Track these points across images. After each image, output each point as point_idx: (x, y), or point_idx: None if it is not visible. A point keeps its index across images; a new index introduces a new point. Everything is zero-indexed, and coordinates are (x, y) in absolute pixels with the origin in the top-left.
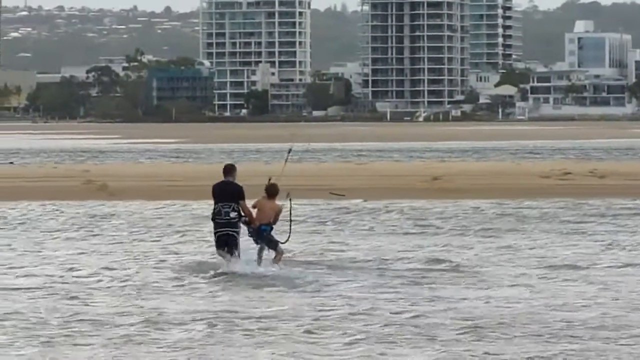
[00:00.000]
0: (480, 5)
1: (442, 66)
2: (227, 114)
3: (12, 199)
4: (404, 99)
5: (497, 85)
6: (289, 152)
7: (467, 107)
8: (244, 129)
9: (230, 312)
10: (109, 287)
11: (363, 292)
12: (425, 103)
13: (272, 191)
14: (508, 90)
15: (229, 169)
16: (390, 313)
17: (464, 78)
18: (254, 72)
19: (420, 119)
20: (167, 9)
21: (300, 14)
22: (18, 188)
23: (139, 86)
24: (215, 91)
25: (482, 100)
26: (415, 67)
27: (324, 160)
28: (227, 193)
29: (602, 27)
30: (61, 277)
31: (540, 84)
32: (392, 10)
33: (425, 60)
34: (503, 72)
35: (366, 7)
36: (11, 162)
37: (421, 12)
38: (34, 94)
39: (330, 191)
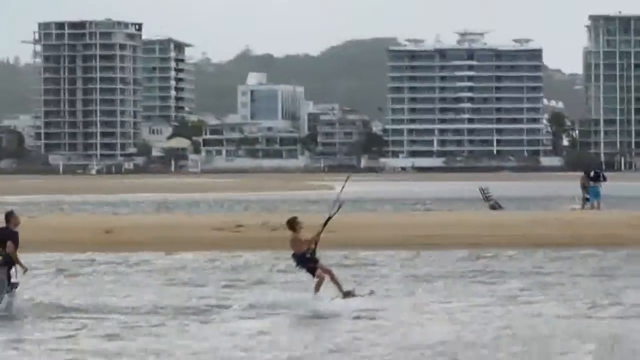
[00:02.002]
0: (153, 58)
1: (115, 119)
2: None
3: None
4: (76, 151)
5: (170, 137)
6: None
7: (140, 160)
8: None
9: None
10: None
11: None
12: (98, 156)
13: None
14: (181, 142)
15: (6, 217)
16: None
17: (137, 131)
18: None
19: (93, 171)
20: None
21: None
22: None
23: None
24: None
25: (155, 153)
26: (88, 119)
27: None
28: None
29: (275, 80)
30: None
31: (213, 137)
32: (64, 63)
33: (98, 112)
34: (176, 125)
35: (39, 60)
36: None
37: (94, 64)
38: None
39: None
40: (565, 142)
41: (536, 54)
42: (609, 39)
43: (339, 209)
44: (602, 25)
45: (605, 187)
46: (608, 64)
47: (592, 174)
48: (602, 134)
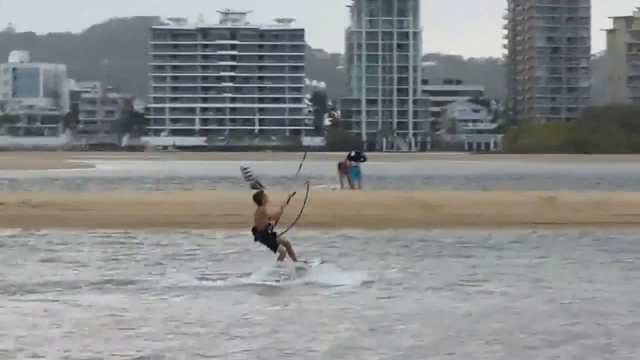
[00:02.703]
0: None
1: None
2: None
3: None
4: None
5: None
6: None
7: None
8: None
9: None
10: None
11: None
12: None
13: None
14: None
15: None
16: None
17: None
18: None
19: None
20: None
21: None
22: None
23: None
24: None
25: None
26: None
27: None
28: None
29: (38, 58)
30: None
31: None
32: None
33: None
34: None
35: None
36: None
37: None
38: None
39: None
40: (327, 121)
41: (298, 33)
42: (371, 19)
43: (307, 187)
44: (364, 5)
45: (365, 167)
46: (370, 44)
47: (352, 153)
48: (363, 113)
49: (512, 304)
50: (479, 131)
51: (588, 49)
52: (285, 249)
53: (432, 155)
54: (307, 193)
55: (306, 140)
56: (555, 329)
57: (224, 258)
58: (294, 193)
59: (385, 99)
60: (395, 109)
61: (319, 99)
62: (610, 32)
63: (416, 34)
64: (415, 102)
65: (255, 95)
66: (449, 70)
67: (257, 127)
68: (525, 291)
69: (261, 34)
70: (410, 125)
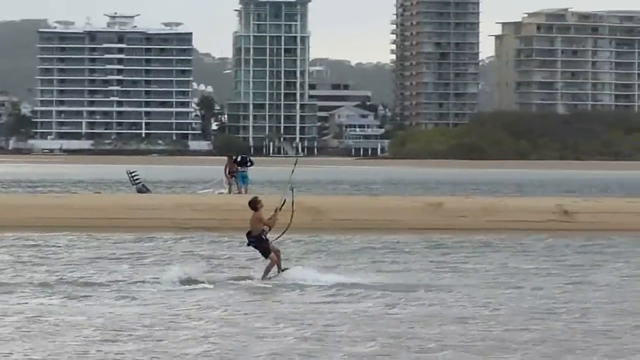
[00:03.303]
0: None
1: None
2: None
3: None
4: None
5: None
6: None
7: None
8: None
9: None
10: None
11: None
12: None
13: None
14: None
15: None
16: None
17: None
18: None
19: None
20: None
21: None
22: None
23: None
24: None
25: None
26: None
27: None
28: None
29: None
30: None
31: None
32: None
33: None
34: None
35: None
36: None
37: None
38: None
39: None
40: (215, 126)
41: (186, 37)
42: (259, 24)
43: (292, 192)
44: (252, 9)
45: (253, 172)
46: (258, 49)
47: (239, 158)
48: (250, 118)
49: (445, 310)
50: (366, 136)
51: (476, 54)
52: (275, 257)
53: (319, 160)
54: (293, 198)
55: (193, 145)
56: (503, 335)
57: (136, 262)
58: (285, 200)
59: (273, 104)
60: (282, 113)
61: (206, 103)
62: (498, 37)
63: (304, 39)
64: (302, 106)
65: (142, 99)
66: (336, 75)
67: (144, 131)
68: (457, 297)
69: (148, 37)
70: (298, 130)
